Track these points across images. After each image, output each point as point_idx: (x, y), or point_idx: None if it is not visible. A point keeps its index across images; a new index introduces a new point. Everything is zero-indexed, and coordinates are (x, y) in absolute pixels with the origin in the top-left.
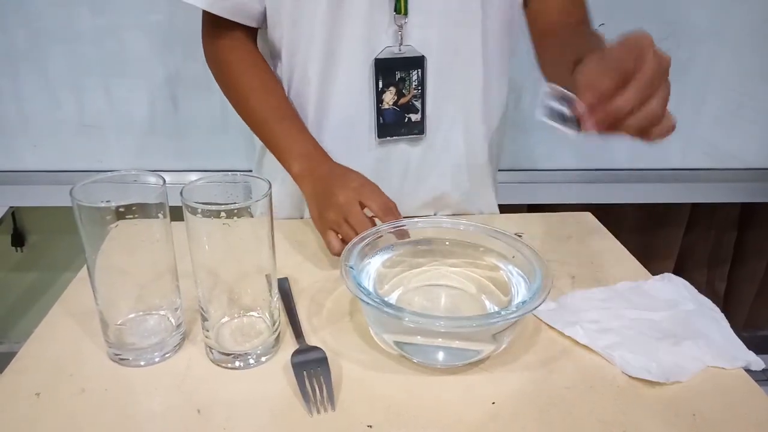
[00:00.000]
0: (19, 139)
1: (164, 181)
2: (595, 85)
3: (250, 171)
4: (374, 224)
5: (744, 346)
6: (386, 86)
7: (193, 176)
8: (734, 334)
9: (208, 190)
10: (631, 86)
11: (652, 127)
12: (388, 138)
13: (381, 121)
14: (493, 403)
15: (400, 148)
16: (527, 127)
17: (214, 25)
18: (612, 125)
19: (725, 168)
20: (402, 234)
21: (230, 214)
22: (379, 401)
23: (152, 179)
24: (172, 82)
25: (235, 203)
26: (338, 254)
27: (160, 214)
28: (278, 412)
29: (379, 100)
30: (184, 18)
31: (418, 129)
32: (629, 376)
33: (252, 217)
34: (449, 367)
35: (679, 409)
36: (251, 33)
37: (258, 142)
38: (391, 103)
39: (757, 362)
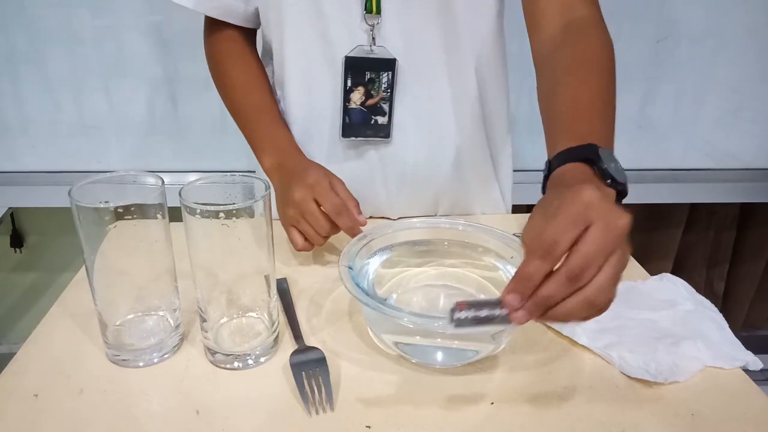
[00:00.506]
0: (19, 140)
1: (163, 181)
2: (523, 274)
3: (251, 172)
4: (331, 222)
5: (742, 346)
6: (355, 85)
7: (193, 177)
8: (732, 334)
9: (206, 191)
10: (557, 275)
11: (593, 311)
12: (353, 138)
13: (347, 120)
14: (492, 403)
15: (370, 151)
16: (525, 128)
17: (211, 24)
18: (544, 315)
19: (724, 168)
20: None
21: (229, 214)
22: (378, 402)
23: (151, 180)
24: (171, 83)
25: (233, 204)
26: (302, 250)
27: (158, 215)
28: (277, 413)
29: (347, 99)
30: (183, 19)
31: (384, 132)
32: (627, 377)
33: (251, 217)
34: (448, 367)
35: (677, 408)
36: (247, 32)
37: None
38: (358, 102)
39: (755, 362)
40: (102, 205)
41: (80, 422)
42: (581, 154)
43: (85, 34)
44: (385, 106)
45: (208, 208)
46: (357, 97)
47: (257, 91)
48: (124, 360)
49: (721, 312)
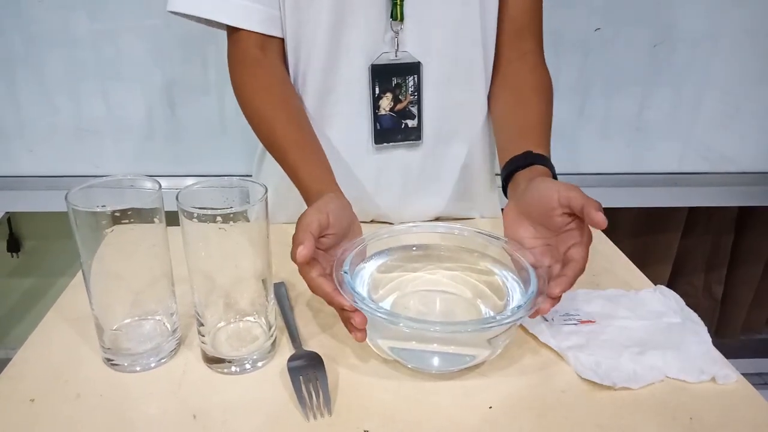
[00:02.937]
0: (16, 143)
1: (160, 185)
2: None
3: (248, 176)
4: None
5: (718, 361)
6: (383, 92)
7: (190, 181)
8: (713, 349)
9: (204, 195)
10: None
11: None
12: (385, 144)
13: (378, 126)
14: (490, 407)
15: (401, 155)
16: None
17: (235, 41)
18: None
19: (722, 172)
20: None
21: (226, 218)
22: (375, 406)
23: (148, 184)
24: (168, 87)
25: (231, 208)
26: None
27: (156, 219)
28: (274, 418)
29: (376, 106)
30: (180, 22)
31: (414, 135)
32: (581, 381)
33: (248, 221)
34: (445, 372)
35: (676, 412)
36: (276, 46)
37: (259, 145)
38: (387, 109)
39: (726, 376)
40: (99, 210)
41: (77, 427)
42: (542, 161)
43: (83, 37)
44: (414, 109)
45: (206, 212)
46: (386, 103)
47: (296, 124)
48: (120, 365)
49: (719, 316)
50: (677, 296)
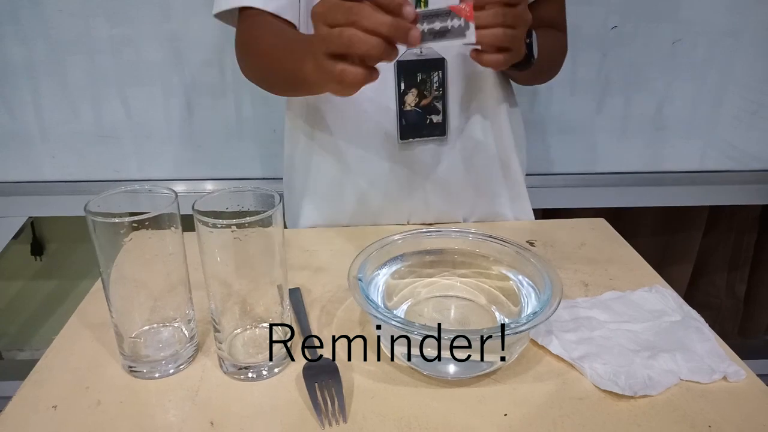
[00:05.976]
0: (38, 149)
1: (176, 194)
2: None
3: (265, 179)
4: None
5: (727, 358)
6: (408, 88)
7: (209, 184)
8: (717, 346)
9: (219, 201)
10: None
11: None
12: (411, 139)
13: (403, 122)
14: (506, 414)
15: (427, 151)
16: (541, 130)
17: (245, 18)
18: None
19: (744, 170)
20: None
21: (242, 225)
22: (391, 413)
23: (164, 192)
24: (187, 91)
25: (246, 215)
26: (358, 83)
27: (172, 227)
28: (290, 424)
29: (402, 102)
30: (198, 27)
31: (439, 130)
32: (598, 388)
33: (264, 227)
34: (460, 379)
35: (694, 420)
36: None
37: (286, 152)
38: (413, 104)
39: (737, 373)
40: (117, 220)
41: None
42: None
43: (103, 43)
44: (439, 105)
45: (222, 221)
46: (411, 99)
47: (290, 31)
48: (140, 371)
49: (743, 315)
50: (674, 293)
